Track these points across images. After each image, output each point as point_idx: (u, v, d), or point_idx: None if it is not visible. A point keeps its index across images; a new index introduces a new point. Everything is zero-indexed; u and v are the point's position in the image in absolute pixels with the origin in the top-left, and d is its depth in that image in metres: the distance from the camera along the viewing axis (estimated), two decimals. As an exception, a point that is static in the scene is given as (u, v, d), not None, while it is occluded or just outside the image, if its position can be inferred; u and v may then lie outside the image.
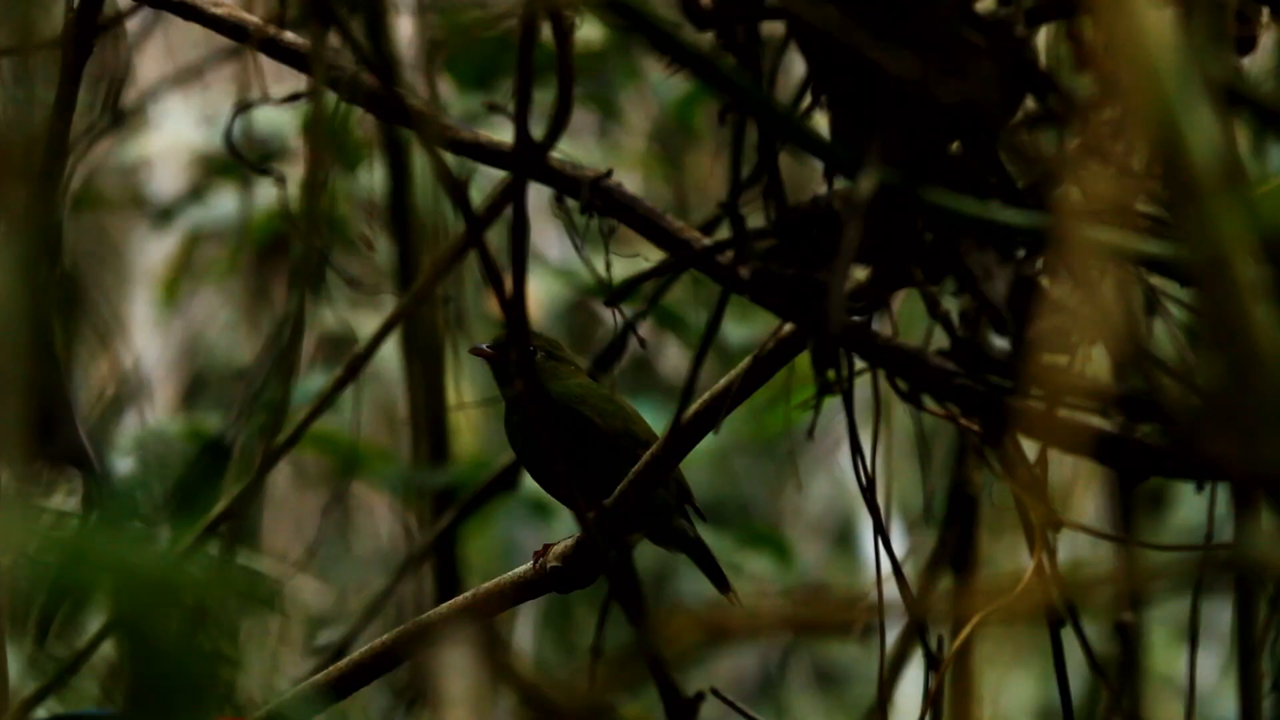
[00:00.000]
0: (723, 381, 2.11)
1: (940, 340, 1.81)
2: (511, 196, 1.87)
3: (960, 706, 3.28)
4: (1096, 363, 1.78)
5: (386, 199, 3.65)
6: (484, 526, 3.78)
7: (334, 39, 2.04)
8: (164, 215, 4.16)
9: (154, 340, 4.72)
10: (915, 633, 2.97)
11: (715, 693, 2.14)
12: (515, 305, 1.89)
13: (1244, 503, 2.04)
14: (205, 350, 4.84)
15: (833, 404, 1.95)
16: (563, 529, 3.38)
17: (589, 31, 3.27)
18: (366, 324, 3.64)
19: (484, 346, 2.34)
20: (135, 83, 3.89)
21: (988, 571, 3.44)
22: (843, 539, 5.03)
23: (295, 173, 2.12)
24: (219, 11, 2.19)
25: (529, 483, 3.34)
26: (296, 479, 4.40)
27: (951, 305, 1.79)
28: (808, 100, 1.80)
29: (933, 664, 2.14)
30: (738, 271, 1.82)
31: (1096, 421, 1.76)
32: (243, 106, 2.19)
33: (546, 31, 1.86)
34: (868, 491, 2.11)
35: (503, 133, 2.00)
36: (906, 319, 1.99)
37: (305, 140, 3.29)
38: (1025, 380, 1.74)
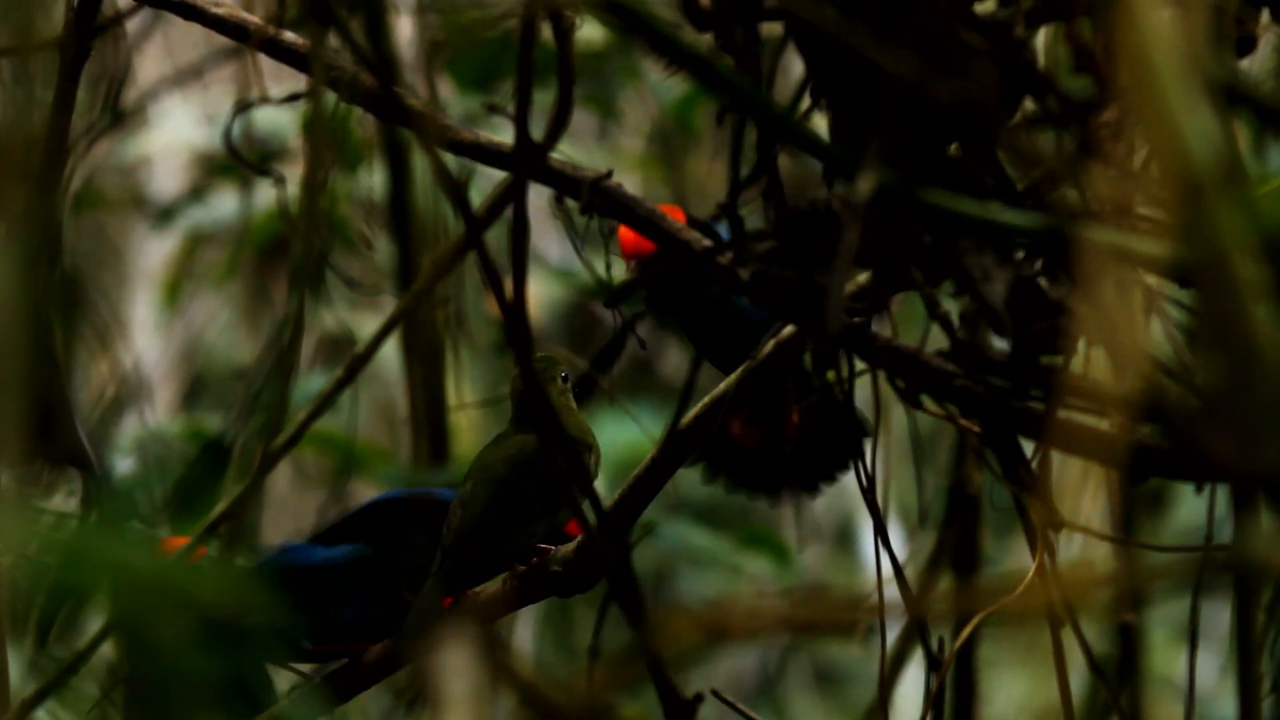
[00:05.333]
0: (722, 385, 2.11)
1: (939, 341, 1.81)
2: (511, 197, 1.87)
3: (960, 706, 3.28)
4: (1097, 364, 1.79)
5: (386, 199, 3.65)
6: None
7: (334, 39, 2.04)
8: (164, 215, 4.17)
9: (154, 341, 4.72)
10: (915, 633, 2.97)
11: (715, 694, 2.14)
12: (515, 306, 1.89)
13: (1244, 503, 2.05)
14: (205, 351, 4.83)
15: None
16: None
17: (589, 32, 3.27)
18: (366, 324, 3.64)
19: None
20: (135, 83, 3.88)
21: (988, 571, 3.44)
22: (843, 539, 5.02)
23: (295, 173, 2.12)
24: (219, 11, 2.19)
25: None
26: (296, 479, 4.40)
27: (951, 306, 1.79)
28: (807, 101, 1.80)
29: (933, 664, 2.14)
30: (738, 272, 1.82)
31: (1097, 422, 1.76)
32: (243, 106, 2.19)
33: (546, 32, 1.86)
34: (868, 492, 2.11)
35: (503, 133, 2.00)
36: (906, 320, 1.99)
37: (305, 140, 3.30)
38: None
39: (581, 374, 2.35)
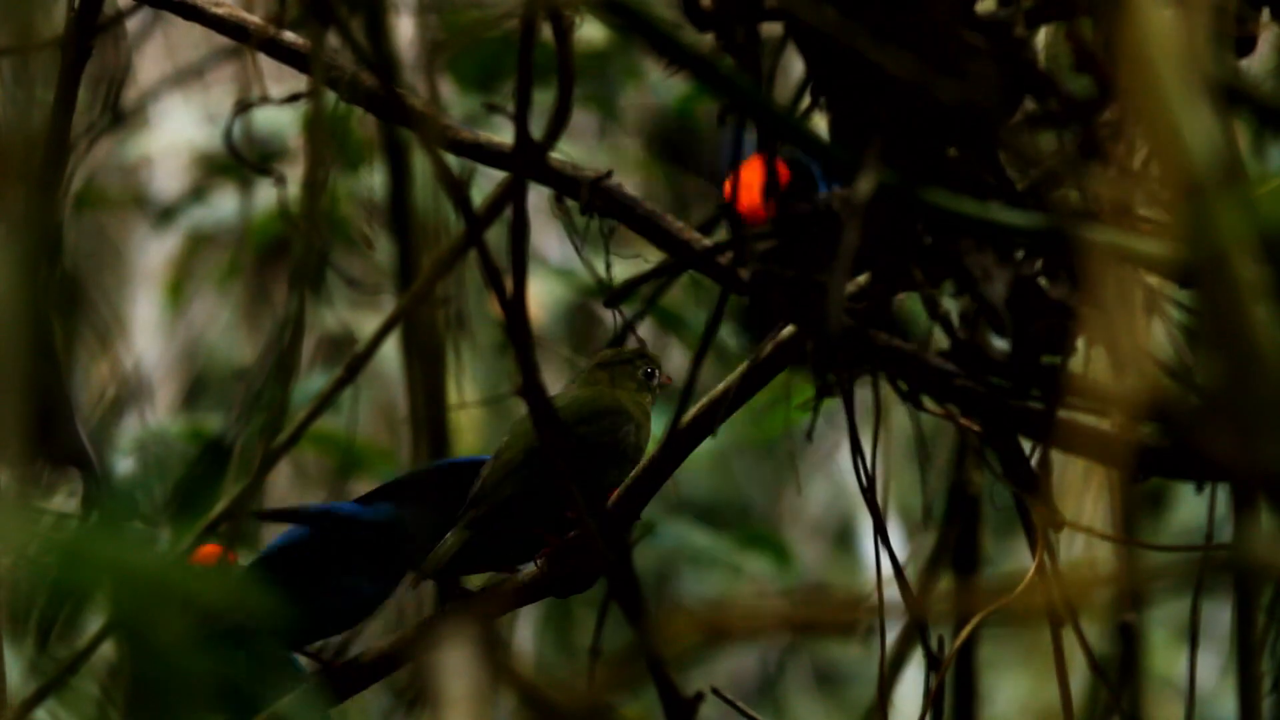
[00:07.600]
0: (721, 385, 2.12)
1: (940, 341, 1.81)
2: (511, 196, 1.87)
3: (960, 706, 3.27)
4: (1098, 364, 1.79)
5: (386, 199, 3.65)
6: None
7: (334, 39, 2.04)
8: (165, 215, 4.17)
9: (155, 341, 4.72)
10: (915, 633, 2.97)
11: (716, 692, 2.14)
12: (515, 305, 1.89)
13: (1244, 503, 2.04)
14: (206, 351, 4.84)
15: (832, 405, 1.95)
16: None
17: (589, 31, 3.27)
18: (366, 324, 3.64)
19: None
20: (135, 83, 3.89)
21: (988, 571, 3.44)
22: (842, 540, 5.02)
23: (295, 173, 2.11)
24: (219, 11, 2.19)
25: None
26: (296, 479, 4.40)
27: (951, 306, 1.79)
28: (807, 101, 1.80)
29: (933, 664, 2.14)
30: (738, 272, 1.82)
31: (1098, 422, 1.76)
32: (243, 106, 2.19)
33: (547, 32, 1.86)
34: (868, 492, 2.11)
35: (503, 133, 2.00)
36: (907, 320, 1.99)
37: (305, 140, 3.30)
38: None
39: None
